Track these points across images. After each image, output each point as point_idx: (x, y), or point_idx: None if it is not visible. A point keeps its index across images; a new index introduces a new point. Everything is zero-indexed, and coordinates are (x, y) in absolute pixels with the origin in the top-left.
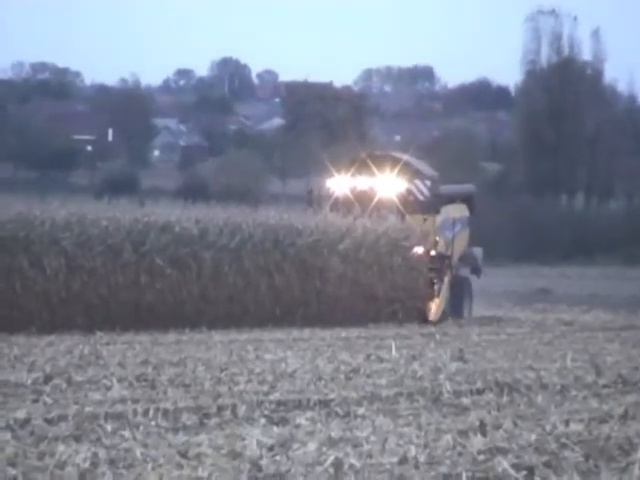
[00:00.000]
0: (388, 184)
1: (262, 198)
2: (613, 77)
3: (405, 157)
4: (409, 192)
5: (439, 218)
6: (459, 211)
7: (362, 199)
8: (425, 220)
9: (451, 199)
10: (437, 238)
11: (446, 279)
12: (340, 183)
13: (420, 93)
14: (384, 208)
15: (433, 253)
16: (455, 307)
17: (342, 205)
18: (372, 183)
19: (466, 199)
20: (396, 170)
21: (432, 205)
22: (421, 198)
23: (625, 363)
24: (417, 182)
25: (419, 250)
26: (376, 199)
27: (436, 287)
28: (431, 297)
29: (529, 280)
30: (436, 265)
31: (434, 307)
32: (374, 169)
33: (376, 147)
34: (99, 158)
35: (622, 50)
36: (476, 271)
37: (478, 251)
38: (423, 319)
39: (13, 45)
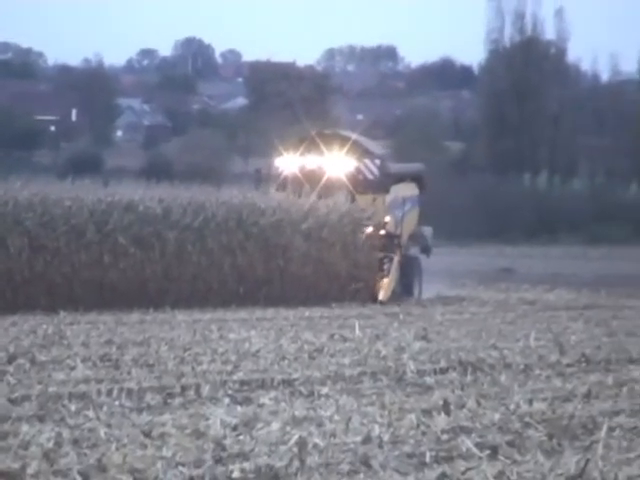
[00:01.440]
0: (337, 163)
1: (225, 177)
2: (577, 56)
3: (354, 136)
4: (358, 171)
5: (388, 197)
6: (409, 190)
7: (311, 178)
8: (374, 199)
9: (401, 178)
10: (386, 218)
11: (396, 259)
12: (289, 162)
13: (383, 72)
14: (333, 187)
15: (382, 232)
16: (405, 286)
17: (291, 184)
18: (321, 162)
19: (416, 178)
20: (345, 149)
21: (382, 184)
22: (370, 177)
23: (588, 342)
24: (366, 161)
25: (368, 230)
26: (325, 178)
27: (385, 267)
28: (381, 277)
29: (492, 259)
30: (386, 245)
31: (384, 287)
32: (323, 148)
33: (340, 126)
34: (63, 138)
35: (586, 29)
36: (426, 250)
37: (428, 230)
38: (373, 299)
39: None
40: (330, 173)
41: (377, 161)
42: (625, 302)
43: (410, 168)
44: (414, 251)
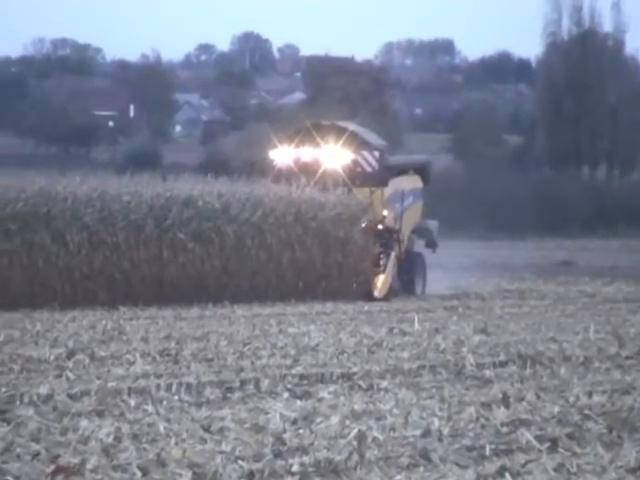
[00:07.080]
0: (333, 155)
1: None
2: (634, 48)
3: (352, 127)
4: (356, 163)
5: (387, 190)
6: (411, 182)
7: (306, 170)
8: (372, 193)
9: (403, 170)
10: (385, 211)
11: (393, 254)
12: (283, 154)
13: (440, 66)
14: (329, 180)
15: (380, 227)
16: (406, 283)
17: (284, 176)
18: (317, 154)
19: (420, 170)
20: (342, 140)
21: (380, 177)
22: (368, 169)
23: None
24: (364, 153)
25: (363, 224)
26: (321, 171)
27: (382, 262)
28: (377, 273)
29: (551, 253)
30: (383, 239)
31: (379, 283)
32: (319, 139)
33: (398, 120)
34: (120, 134)
35: None
36: (431, 245)
37: (433, 224)
38: (368, 296)
39: (34, 21)
40: (326, 165)
41: (376, 153)
42: None
43: (413, 160)
44: (418, 246)
